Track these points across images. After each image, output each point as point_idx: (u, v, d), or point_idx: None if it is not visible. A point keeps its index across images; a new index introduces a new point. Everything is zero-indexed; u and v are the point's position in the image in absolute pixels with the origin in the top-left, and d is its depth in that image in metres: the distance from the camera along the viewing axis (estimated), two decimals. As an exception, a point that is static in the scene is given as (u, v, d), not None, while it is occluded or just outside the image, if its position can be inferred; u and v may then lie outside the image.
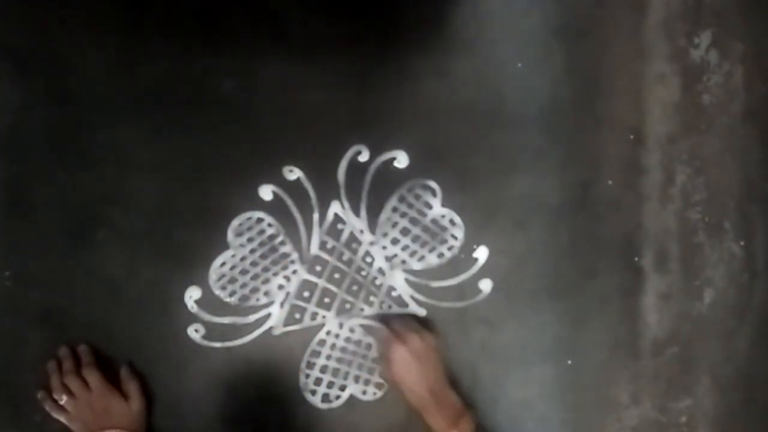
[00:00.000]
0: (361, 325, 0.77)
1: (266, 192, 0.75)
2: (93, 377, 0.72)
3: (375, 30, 0.75)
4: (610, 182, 0.77)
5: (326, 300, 0.76)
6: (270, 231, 0.76)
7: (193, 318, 0.75)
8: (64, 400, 0.71)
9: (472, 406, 0.69)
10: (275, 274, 0.76)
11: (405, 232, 0.76)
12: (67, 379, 0.71)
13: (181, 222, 0.75)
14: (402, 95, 0.76)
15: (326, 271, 0.76)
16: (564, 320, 0.77)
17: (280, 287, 0.76)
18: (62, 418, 0.72)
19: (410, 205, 0.76)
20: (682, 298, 0.77)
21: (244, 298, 0.75)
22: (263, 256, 0.76)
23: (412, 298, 0.77)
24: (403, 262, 0.77)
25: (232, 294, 0.75)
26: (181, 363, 0.75)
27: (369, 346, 0.76)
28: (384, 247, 0.76)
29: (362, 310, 0.77)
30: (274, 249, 0.76)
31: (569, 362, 0.77)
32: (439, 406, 0.66)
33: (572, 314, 0.77)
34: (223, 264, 0.75)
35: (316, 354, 0.76)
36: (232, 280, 0.75)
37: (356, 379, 0.76)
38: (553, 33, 0.76)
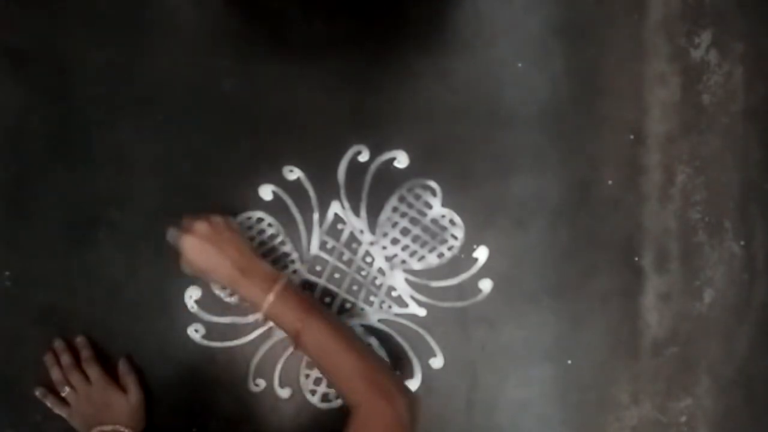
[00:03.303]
0: (361, 325, 0.76)
1: (266, 192, 0.75)
2: (93, 371, 0.72)
3: (375, 30, 0.75)
4: (610, 182, 0.77)
5: (326, 300, 0.76)
6: (270, 231, 0.76)
7: (193, 318, 0.75)
8: (66, 392, 0.71)
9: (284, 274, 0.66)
10: (275, 274, 0.76)
11: (405, 232, 0.76)
12: (68, 373, 0.72)
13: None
14: (402, 95, 0.76)
15: (326, 271, 0.76)
16: (564, 320, 0.77)
17: (280, 287, 0.76)
18: (63, 413, 0.72)
19: (410, 205, 0.76)
20: (682, 297, 0.77)
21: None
22: (263, 256, 0.75)
23: (412, 298, 0.77)
24: (403, 262, 0.77)
25: (232, 294, 0.75)
26: (181, 363, 0.75)
27: (369, 346, 0.76)
28: (384, 247, 0.76)
29: (362, 310, 0.77)
30: (274, 249, 0.76)
31: (569, 362, 0.77)
32: (249, 279, 0.63)
33: (572, 314, 0.77)
34: (223, 264, 0.75)
35: (316, 354, 0.76)
36: (232, 280, 0.75)
37: (356, 379, 0.76)
38: (553, 33, 0.76)
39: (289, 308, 0.63)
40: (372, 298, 0.77)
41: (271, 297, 0.63)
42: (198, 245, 0.64)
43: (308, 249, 0.76)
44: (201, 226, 0.64)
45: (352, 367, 0.61)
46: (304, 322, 0.62)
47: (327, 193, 0.76)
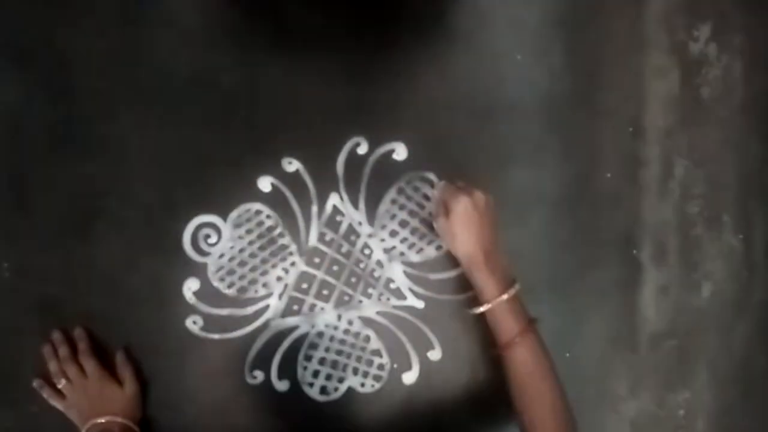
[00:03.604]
0: (360, 317, 0.76)
1: (265, 184, 0.75)
2: (89, 363, 0.72)
3: (374, 22, 0.75)
4: (608, 175, 0.77)
5: (325, 292, 0.76)
6: (269, 223, 0.76)
7: (192, 309, 0.75)
8: (62, 384, 0.71)
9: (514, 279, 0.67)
10: (274, 266, 0.76)
11: (404, 224, 0.76)
12: (65, 365, 0.72)
13: (180, 214, 0.75)
14: (401, 87, 0.76)
15: (325, 263, 0.76)
16: (562, 313, 0.77)
17: (279, 279, 0.76)
18: (59, 405, 0.72)
19: (409, 197, 0.76)
20: (681, 291, 0.77)
21: (243, 290, 0.75)
22: (262, 248, 0.76)
23: (411, 290, 0.77)
24: (402, 254, 0.77)
25: (230, 286, 0.75)
26: (179, 354, 0.75)
27: (367, 338, 0.76)
28: (382, 240, 0.76)
29: (361, 302, 0.77)
30: (272, 241, 0.76)
31: (567, 355, 0.77)
32: (490, 268, 0.65)
33: (571, 307, 0.77)
34: (222, 256, 0.75)
35: (314, 346, 0.76)
36: (231, 272, 0.75)
37: (355, 371, 0.76)
38: (553, 25, 0.76)
39: (514, 314, 0.64)
40: (370, 291, 0.77)
41: (505, 296, 0.64)
42: (470, 210, 0.65)
43: (307, 241, 0.76)
44: (480, 197, 0.66)
45: (552, 400, 0.63)
46: (524, 334, 0.64)
47: (326, 185, 0.76)
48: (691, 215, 0.77)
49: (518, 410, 0.65)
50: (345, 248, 0.76)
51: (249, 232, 0.75)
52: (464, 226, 0.65)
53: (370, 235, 0.76)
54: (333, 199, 0.76)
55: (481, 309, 0.66)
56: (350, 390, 0.76)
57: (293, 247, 0.76)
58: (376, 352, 0.76)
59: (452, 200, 0.66)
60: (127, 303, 0.75)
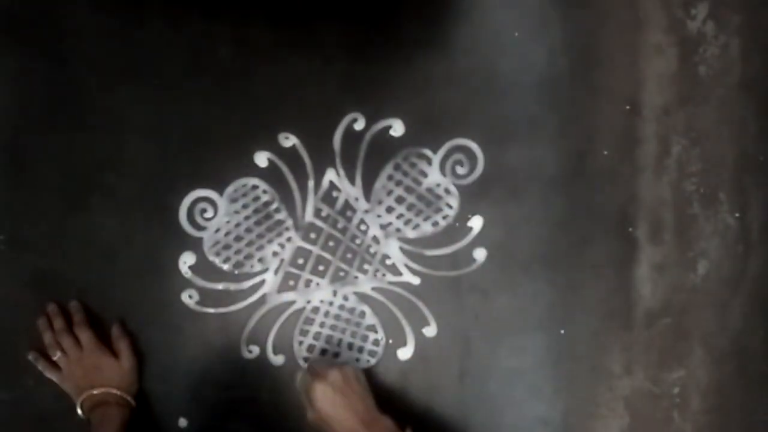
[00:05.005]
0: (355, 293, 0.77)
1: (261, 159, 0.75)
2: (84, 335, 0.72)
3: (372, -2, 0.75)
4: (605, 152, 0.76)
5: (320, 267, 0.76)
6: (265, 198, 0.76)
7: (188, 284, 0.75)
8: (57, 356, 0.71)
9: (408, 424, 0.66)
10: (270, 241, 0.76)
11: (400, 200, 0.76)
12: (60, 337, 0.72)
13: (176, 188, 0.75)
14: (398, 64, 0.76)
15: (321, 239, 0.76)
16: (557, 290, 0.77)
17: (275, 254, 0.76)
18: (54, 377, 0.72)
19: (405, 174, 0.76)
20: (676, 268, 0.77)
21: (239, 265, 0.75)
22: (258, 223, 0.76)
23: (407, 266, 0.77)
24: (398, 230, 0.77)
25: (226, 260, 0.75)
26: (174, 328, 0.76)
27: (362, 314, 0.76)
28: (379, 216, 0.76)
29: (356, 278, 0.77)
30: (268, 216, 0.76)
31: (562, 332, 0.77)
32: None
33: (566, 284, 0.77)
34: (218, 230, 0.75)
35: (310, 321, 0.76)
36: (227, 247, 0.75)
37: (350, 347, 0.76)
38: (551, 2, 0.76)
39: None
40: (366, 266, 0.77)
41: None
42: (330, 394, 0.65)
43: (303, 216, 0.76)
44: (335, 376, 0.66)
45: None
46: None
47: (322, 160, 0.76)
48: (688, 193, 0.77)
49: None
50: (341, 224, 0.76)
51: (245, 206, 0.75)
52: (331, 410, 0.65)
53: (366, 211, 0.76)
54: (329, 175, 0.76)
55: None
56: (345, 365, 0.76)
57: (289, 223, 0.76)
58: (371, 328, 0.76)
59: (310, 392, 0.66)
60: (123, 276, 0.75)
